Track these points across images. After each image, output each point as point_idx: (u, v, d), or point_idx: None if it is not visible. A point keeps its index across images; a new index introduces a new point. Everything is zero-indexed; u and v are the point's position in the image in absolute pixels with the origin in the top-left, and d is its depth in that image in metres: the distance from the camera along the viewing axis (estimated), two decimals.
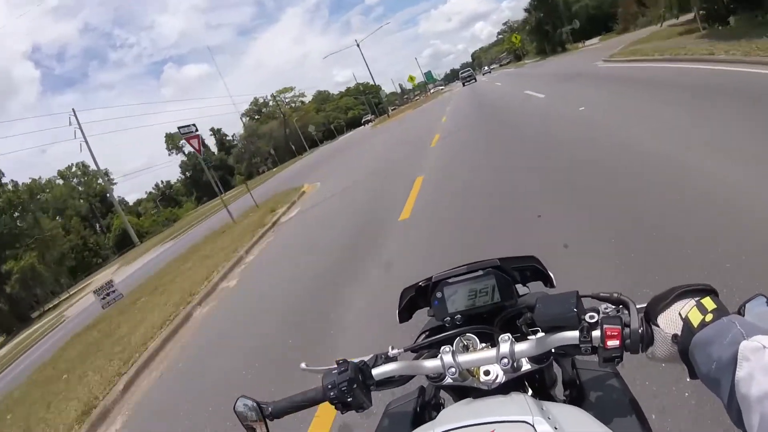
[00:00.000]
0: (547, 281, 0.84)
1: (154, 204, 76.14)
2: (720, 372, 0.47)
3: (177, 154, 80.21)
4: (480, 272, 0.79)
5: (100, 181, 59.02)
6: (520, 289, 0.84)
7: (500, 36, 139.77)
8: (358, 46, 39.28)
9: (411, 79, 50.34)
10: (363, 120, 77.32)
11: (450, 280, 0.80)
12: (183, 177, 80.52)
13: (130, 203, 72.03)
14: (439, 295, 0.81)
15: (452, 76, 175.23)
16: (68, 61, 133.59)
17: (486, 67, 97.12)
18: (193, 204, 77.30)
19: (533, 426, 0.56)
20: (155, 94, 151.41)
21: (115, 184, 63.65)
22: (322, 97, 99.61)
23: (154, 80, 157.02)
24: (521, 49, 53.23)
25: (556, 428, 0.56)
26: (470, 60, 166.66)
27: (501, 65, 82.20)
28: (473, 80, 47.86)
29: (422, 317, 0.90)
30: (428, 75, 74.14)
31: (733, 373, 0.45)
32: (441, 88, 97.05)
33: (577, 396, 0.79)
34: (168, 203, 78.02)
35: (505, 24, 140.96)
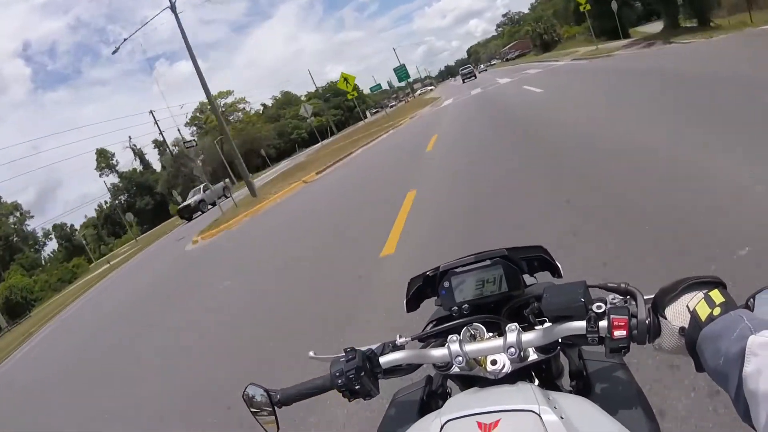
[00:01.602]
0: (555, 271, 0.83)
1: (94, 230, 62.91)
2: (727, 366, 0.47)
3: (109, 174, 62.85)
4: (488, 262, 0.79)
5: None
6: (527, 279, 0.83)
7: (500, 29, 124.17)
8: (172, 8, 15.89)
9: (345, 83, 23.53)
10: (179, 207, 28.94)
11: (458, 270, 0.80)
12: (116, 202, 63.75)
13: (77, 226, 60.35)
14: (446, 284, 0.80)
15: (446, 73, 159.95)
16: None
17: (482, 65, 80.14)
18: (137, 230, 61.84)
19: (539, 415, 0.56)
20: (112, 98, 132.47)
21: (32, 217, 54.09)
22: (284, 100, 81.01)
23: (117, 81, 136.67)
24: (551, 32, 34.65)
25: (562, 418, 0.56)
26: (466, 56, 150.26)
27: (506, 60, 64.60)
28: (473, 77, 45.08)
29: (430, 307, 0.89)
30: (400, 72, 38.47)
31: (741, 368, 0.45)
32: (430, 88, 78.42)
33: (583, 386, 0.79)
34: (113, 228, 64.51)
35: (504, 15, 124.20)
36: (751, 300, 0.52)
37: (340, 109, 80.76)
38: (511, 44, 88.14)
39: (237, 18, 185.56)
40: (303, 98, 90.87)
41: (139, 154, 64.83)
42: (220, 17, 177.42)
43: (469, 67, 54.69)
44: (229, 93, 61.34)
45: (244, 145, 63.01)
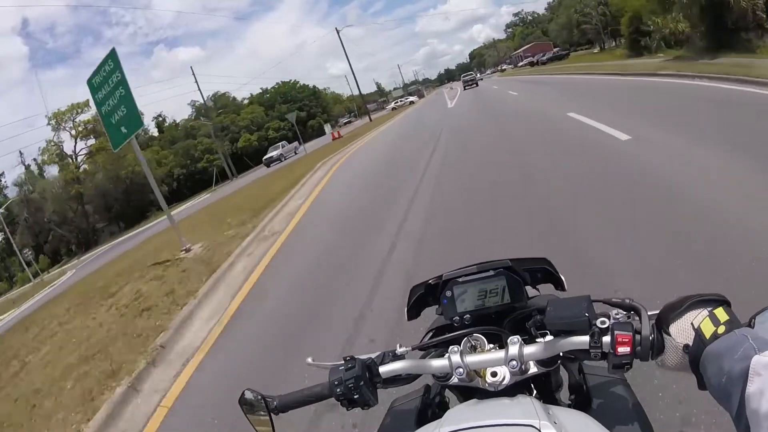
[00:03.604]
0: (558, 284, 0.83)
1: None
2: (730, 385, 0.47)
3: None
4: (491, 272, 0.78)
5: None
6: (530, 291, 0.82)
7: (509, 30, 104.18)
8: None
9: None
10: None
11: (460, 280, 0.79)
12: None
13: None
14: (448, 293, 0.80)
15: (446, 77, 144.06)
16: None
17: (479, 74, 59.98)
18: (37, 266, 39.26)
19: (539, 430, 0.55)
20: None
21: None
22: (218, 106, 58.59)
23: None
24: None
25: None
26: (467, 60, 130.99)
27: (531, 65, 44.21)
28: (475, 84, 42.77)
29: (430, 315, 0.88)
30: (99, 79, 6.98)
31: (744, 388, 0.45)
32: (410, 99, 57.41)
33: (582, 401, 0.78)
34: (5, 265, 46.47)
35: (516, 15, 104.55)
36: (753, 320, 0.51)
37: (287, 120, 58.45)
38: (527, 46, 67.13)
39: (240, 7, 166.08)
40: (245, 102, 66.62)
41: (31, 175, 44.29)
42: (221, 5, 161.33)
43: (471, 74, 52.52)
44: (84, 105, 38.54)
45: (118, 185, 40.12)
